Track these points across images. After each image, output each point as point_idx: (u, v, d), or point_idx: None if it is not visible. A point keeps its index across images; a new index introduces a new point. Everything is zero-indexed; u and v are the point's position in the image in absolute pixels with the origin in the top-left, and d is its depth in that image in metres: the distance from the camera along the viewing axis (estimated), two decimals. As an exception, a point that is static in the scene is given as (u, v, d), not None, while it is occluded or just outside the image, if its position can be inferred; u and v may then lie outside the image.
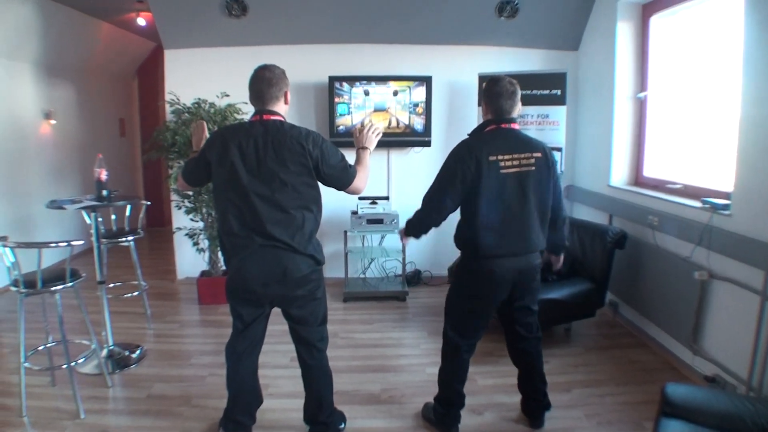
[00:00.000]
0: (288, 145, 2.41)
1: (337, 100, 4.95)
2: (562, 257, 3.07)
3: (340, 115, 4.99)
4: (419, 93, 4.99)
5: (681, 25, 4.02)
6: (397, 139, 5.07)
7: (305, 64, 5.04)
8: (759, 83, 2.95)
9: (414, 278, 5.34)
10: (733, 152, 3.18)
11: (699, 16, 3.81)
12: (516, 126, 2.68)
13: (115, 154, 6.95)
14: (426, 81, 4.96)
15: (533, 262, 2.72)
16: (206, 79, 4.99)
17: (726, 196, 3.28)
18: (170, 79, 5.04)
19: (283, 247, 2.43)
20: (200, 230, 4.76)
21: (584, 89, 5.08)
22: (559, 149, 4.63)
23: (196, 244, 4.75)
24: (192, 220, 4.73)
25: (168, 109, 4.89)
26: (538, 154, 2.61)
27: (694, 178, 3.80)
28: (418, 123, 5.05)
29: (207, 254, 4.80)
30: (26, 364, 3.03)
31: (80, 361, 3.41)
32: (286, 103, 2.56)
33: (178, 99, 4.66)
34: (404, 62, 5.11)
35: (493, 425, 2.99)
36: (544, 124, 4.70)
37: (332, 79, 4.91)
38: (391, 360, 3.79)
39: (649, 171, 4.42)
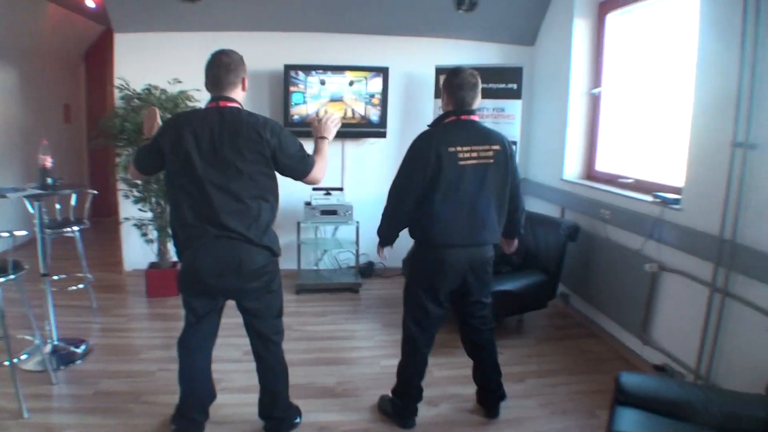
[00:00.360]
0: (245, 133, 2.32)
1: (292, 89, 4.84)
2: (515, 242, 3.06)
3: (295, 104, 4.88)
4: (376, 84, 4.93)
5: (636, 23, 4.10)
6: (352, 130, 4.99)
7: (260, 52, 4.87)
8: (710, 82, 3.03)
9: (367, 270, 5.30)
10: (684, 148, 3.26)
11: (654, 14, 3.89)
12: (476, 118, 2.67)
13: (60, 141, 6.60)
14: (383, 72, 4.90)
15: (486, 255, 2.73)
16: (158, 65, 4.79)
17: (677, 191, 3.36)
18: (120, 64, 4.81)
19: (238, 238, 2.34)
20: (149, 221, 4.57)
21: (539, 84, 5.13)
22: (515, 143, 4.64)
23: (144, 234, 4.57)
24: (140, 210, 4.54)
25: (117, 94, 4.67)
26: (497, 147, 2.60)
27: (646, 173, 3.88)
28: (374, 114, 5.00)
29: (156, 245, 4.62)
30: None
31: (23, 357, 3.22)
32: (243, 89, 2.47)
33: (127, 84, 4.45)
34: (361, 52, 5.03)
35: (449, 416, 2.99)
36: (500, 118, 4.71)
37: (288, 68, 4.79)
38: (345, 352, 3.74)
39: (601, 165, 4.50)
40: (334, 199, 4.90)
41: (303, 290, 4.83)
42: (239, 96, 2.44)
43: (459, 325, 2.96)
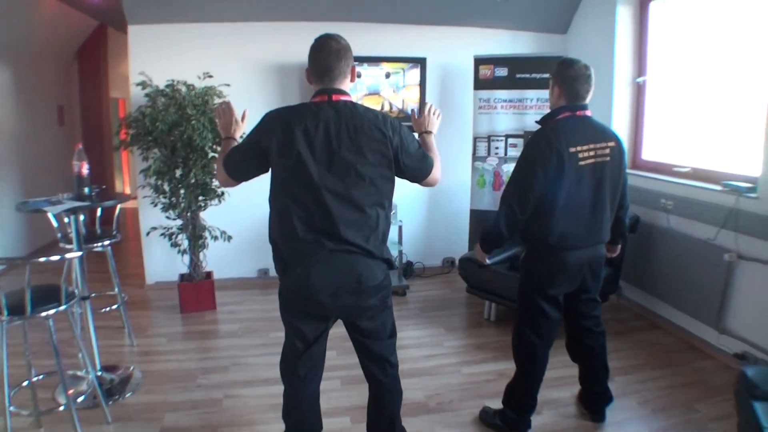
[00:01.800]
0: (366, 131, 1.92)
1: (323, 82, 4.38)
2: (619, 247, 2.81)
3: (328, 99, 4.43)
4: (413, 75, 4.54)
5: (681, 10, 3.87)
6: (389, 125, 4.59)
7: (289, 44, 4.46)
8: None
9: (407, 270, 4.92)
10: (759, 137, 3.08)
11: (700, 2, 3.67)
12: (589, 113, 2.40)
13: (53, 145, 5.93)
14: (420, 63, 4.51)
15: (602, 252, 2.54)
16: (177, 58, 4.30)
17: (747, 179, 3.19)
18: (135, 59, 4.25)
19: (357, 251, 1.95)
20: (178, 229, 4.06)
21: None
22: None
23: (176, 245, 4.05)
24: (168, 218, 4.02)
25: (133, 91, 4.12)
26: (613, 144, 2.39)
27: (702, 161, 3.68)
28: (413, 107, 4.60)
29: (188, 256, 4.11)
30: (11, 408, 2.32)
31: (79, 399, 2.70)
32: (352, 80, 2.06)
33: (150, 80, 3.90)
34: (397, 43, 4.65)
35: (556, 424, 2.74)
36: (545, 108, 4.38)
37: (315, 60, 4.33)
38: (421, 362, 3.38)
39: (648, 154, 4.25)
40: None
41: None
42: (348, 87, 2.03)
43: (567, 329, 2.72)
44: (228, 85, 4.01)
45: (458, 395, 2.98)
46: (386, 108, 4.56)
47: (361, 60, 4.42)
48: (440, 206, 5.01)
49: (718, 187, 3.32)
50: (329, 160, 1.89)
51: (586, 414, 2.77)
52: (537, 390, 2.60)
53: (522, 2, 4.51)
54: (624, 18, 4.20)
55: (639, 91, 4.28)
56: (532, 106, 4.44)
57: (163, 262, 4.48)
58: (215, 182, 4.00)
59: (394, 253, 4.70)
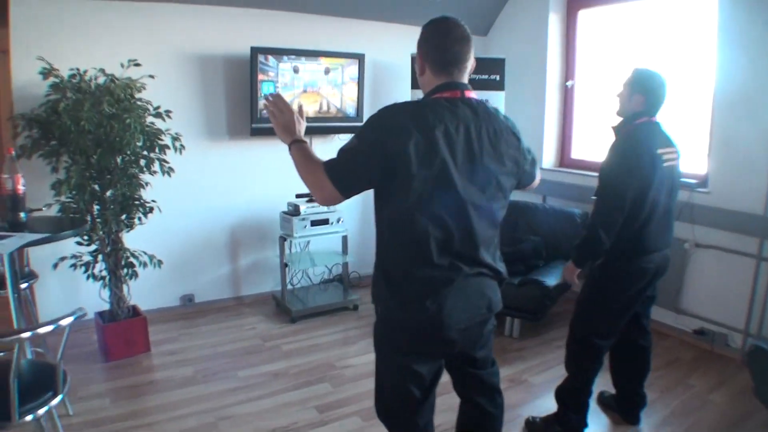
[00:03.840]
0: (505, 135, 1.72)
1: (261, 77, 3.93)
2: None
3: (265, 95, 3.98)
4: (351, 72, 4.28)
5: (609, 19, 4.32)
6: (327, 125, 4.30)
7: (217, 31, 3.93)
8: (730, 72, 3.39)
9: (344, 282, 4.63)
10: (704, 137, 3.59)
11: (626, 12, 4.17)
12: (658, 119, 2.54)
13: None
14: (359, 59, 4.29)
15: (668, 255, 2.63)
16: (80, 43, 3.48)
17: (691, 176, 3.63)
18: (18, 44, 3.32)
19: (488, 273, 1.77)
20: (91, 255, 3.29)
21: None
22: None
23: (100, 278, 3.29)
24: (80, 243, 3.23)
25: (16, 83, 3.23)
26: (677, 149, 2.54)
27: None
28: (350, 107, 4.35)
29: (108, 290, 3.35)
30: None
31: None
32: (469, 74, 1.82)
33: (53, 68, 3.08)
34: (335, 37, 4.38)
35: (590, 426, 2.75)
36: (483, 109, 4.48)
37: (255, 51, 3.87)
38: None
39: (576, 153, 4.60)
40: (322, 206, 4.13)
41: (300, 317, 4.02)
42: None
43: (625, 331, 2.71)
44: (152, 76, 3.35)
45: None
46: (324, 107, 4.24)
47: (299, 54, 4.05)
48: (376, 211, 4.81)
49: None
50: (471, 169, 1.64)
51: (617, 417, 2.84)
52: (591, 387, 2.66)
53: (449, 2, 4.52)
54: (554, 25, 4.52)
55: (568, 94, 4.60)
56: (472, 106, 4.49)
57: (60, 300, 3.59)
58: (144, 194, 3.33)
59: (340, 264, 4.40)
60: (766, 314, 3.31)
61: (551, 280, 3.66)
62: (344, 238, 4.25)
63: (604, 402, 2.96)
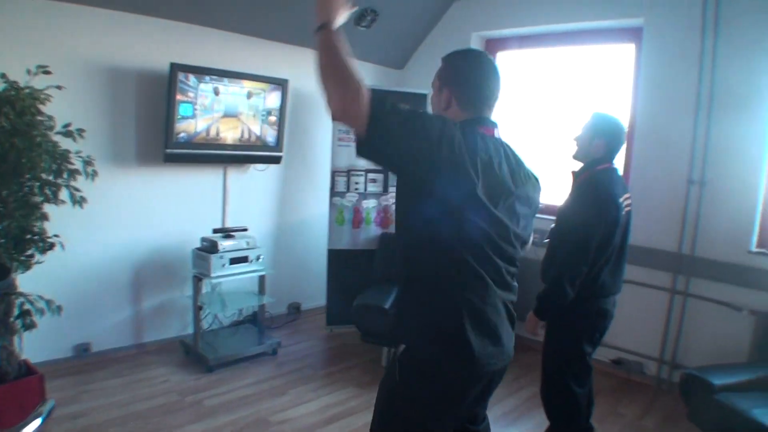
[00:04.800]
0: (532, 181, 1.74)
1: (179, 97, 3.59)
2: None
3: (183, 118, 3.63)
4: (274, 98, 4.08)
5: (524, 61, 4.68)
6: (245, 154, 4.04)
7: (134, 42, 3.54)
8: (646, 115, 3.82)
9: (259, 324, 4.33)
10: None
11: (538, 59, 4.58)
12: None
13: None
14: (283, 85, 4.11)
15: (617, 298, 2.74)
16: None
17: None
18: None
19: (511, 315, 1.71)
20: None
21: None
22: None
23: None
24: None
25: None
26: (630, 195, 2.66)
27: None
28: (271, 135, 4.14)
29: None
30: None
31: None
32: None
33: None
34: (259, 60, 4.15)
35: None
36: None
37: (176, 68, 3.53)
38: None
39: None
40: (242, 242, 3.83)
41: (217, 365, 3.65)
42: None
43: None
44: (60, 87, 2.88)
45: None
46: (245, 135, 3.98)
47: (222, 75, 3.78)
48: (291, 246, 4.62)
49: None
50: (509, 207, 1.62)
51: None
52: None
53: (374, 35, 4.55)
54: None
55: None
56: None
57: None
58: (44, 226, 2.84)
59: (256, 305, 4.11)
60: (679, 344, 3.68)
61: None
62: (262, 278, 3.99)
63: None
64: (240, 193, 4.24)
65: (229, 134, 3.89)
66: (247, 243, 3.86)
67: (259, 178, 4.33)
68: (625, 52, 4.03)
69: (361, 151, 1.45)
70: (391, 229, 4.53)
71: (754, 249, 3.44)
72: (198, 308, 3.71)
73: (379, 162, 1.61)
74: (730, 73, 3.45)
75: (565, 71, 4.38)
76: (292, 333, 4.41)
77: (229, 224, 4.12)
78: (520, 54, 4.68)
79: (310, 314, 4.83)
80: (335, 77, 1.41)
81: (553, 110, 4.41)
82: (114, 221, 3.58)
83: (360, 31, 4.40)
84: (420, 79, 5.02)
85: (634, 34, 3.92)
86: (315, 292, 4.84)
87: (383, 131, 1.40)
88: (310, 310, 4.90)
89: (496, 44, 4.76)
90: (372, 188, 4.49)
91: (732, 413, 2.67)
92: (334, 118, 1.48)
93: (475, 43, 4.68)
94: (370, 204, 4.49)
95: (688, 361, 3.63)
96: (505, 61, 4.75)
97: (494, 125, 1.67)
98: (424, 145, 1.42)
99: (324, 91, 1.43)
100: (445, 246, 1.53)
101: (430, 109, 1.81)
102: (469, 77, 1.66)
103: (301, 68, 4.36)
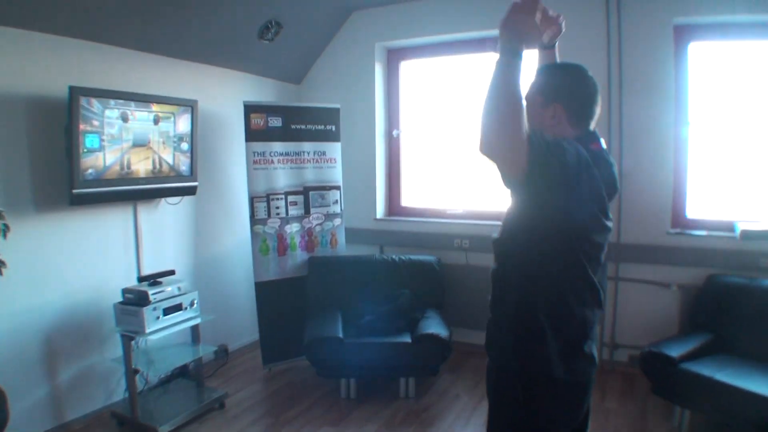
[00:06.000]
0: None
1: (83, 126, 3.06)
2: None
3: (89, 151, 3.11)
4: (184, 122, 3.69)
5: (428, 70, 4.81)
6: (162, 187, 3.58)
7: (21, 63, 2.92)
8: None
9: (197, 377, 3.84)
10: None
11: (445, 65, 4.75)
12: None
13: None
14: (192, 106, 3.72)
15: None
16: None
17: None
18: None
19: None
20: None
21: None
22: (338, 187, 4.41)
23: None
24: None
25: None
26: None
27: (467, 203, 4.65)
28: (185, 163, 3.73)
29: None
30: None
31: None
32: None
33: None
34: (167, 79, 3.71)
35: None
36: (322, 162, 4.38)
37: (77, 92, 3.01)
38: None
39: (407, 201, 4.87)
40: (173, 288, 3.36)
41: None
42: None
43: None
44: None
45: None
46: (157, 166, 3.53)
47: (129, 98, 3.32)
48: (213, 283, 4.19)
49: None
50: (606, 217, 1.67)
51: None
52: None
53: (276, 48, 4.34)
54: (379, 76, 4.74)
55: (394, 143, 4.84)
56: (310, 159, 4.33)
57: None
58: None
59: (192, 357, 3.64)
60: (615, 326, 4.01)
61: (442, 330, 3.67)
62: (195, 328, 3.56)
63: None
64: (152, 231, 3.73)
65: (141, 166, 3.41)
66: (179, 288, 3.41)
67: (171, 213, 3.86)
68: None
69: (517, 189, 1.48)
70: (318, 252, 4.34)
71: (671, 230, 3.86)
72: (133, 372, 3.17)
73: (529, 198, 1.51)
74: (636, 54, 3.76)
75: (468, 77, 4.56)
76: (228, 380, 3.97)
77: (145, 268, 3.61)
78: (420, 63, 4.79)
79: (240, 354, 4.44)
80: (508, 115, 1.35)
81: (459, 115, 4.58)
82: (13, 283, 2.89)
83: (263, 44, 4.16)
84: (317, 93, 4.95)
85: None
86: (242, 330, 4.50)
87: (542, 175, 1.40)
88: (238, 349, 4.50)
89: (398, 54, 4.81)
90: (294, 211, 4.24)
91: (697, 380, 2.95)
92: (486, 155, 1.39)
93: (379, 54, 4.70)
94: (293, 228, 4.24)
95: (626, 340, 3.97)
96: (408, 71, 4.84)
97: (599, 139, 1.70)
98: (572, 180, 1.45)
99: (487, 123, 1.35)
100: (575, 264, 1.58)
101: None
102: (577, 92, 1.66)
103: (207, 88, 4.03)
